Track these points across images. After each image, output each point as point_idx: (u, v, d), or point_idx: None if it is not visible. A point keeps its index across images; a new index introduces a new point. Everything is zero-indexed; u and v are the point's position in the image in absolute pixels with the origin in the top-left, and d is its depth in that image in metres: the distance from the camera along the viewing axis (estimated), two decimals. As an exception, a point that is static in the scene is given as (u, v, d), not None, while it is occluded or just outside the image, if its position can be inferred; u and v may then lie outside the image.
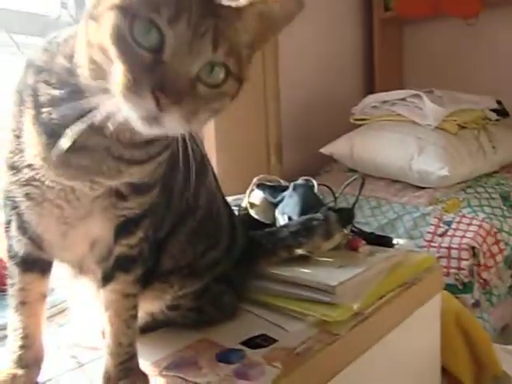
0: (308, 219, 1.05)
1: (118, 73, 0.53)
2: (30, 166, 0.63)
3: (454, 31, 2.73)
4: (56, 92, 0.61)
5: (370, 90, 2.79)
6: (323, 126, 2.53)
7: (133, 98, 0.52)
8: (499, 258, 1.70)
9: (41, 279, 0.72)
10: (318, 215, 1.04)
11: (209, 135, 1.93)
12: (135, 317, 0.73)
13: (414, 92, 2.17)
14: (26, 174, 0.64)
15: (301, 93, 2.47)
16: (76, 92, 0.59)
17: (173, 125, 0.54)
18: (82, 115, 0.57)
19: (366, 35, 2.93)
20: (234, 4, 0.57)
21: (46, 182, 0.64)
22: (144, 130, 0.55)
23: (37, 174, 0.63)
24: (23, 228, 0.69)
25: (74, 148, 0.59)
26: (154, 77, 0.52)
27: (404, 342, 1.03)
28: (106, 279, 0.71)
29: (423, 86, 2.27)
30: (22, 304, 0.71)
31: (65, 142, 0.58)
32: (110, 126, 0.59)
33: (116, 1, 0.52)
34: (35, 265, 0.71)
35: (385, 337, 0.95)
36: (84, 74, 0.59)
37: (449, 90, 2.26)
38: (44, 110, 0.61)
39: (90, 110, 0.56)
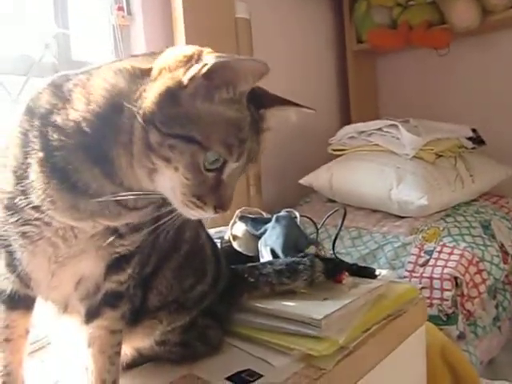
0: (294, 262, 1.04)
1: (184, 188, 0.62)
2: (35, 207, 0.63)
3: (427, 61, 2.79)
4: (71, 141, 0.62)
5: (346, 120, 2.82)
6: (302, 156, 2.54)
7: (194, 209, 0.64)
8: (482, 288, 1.69)
9: (25, 316, 0.72)
10: (305, 260, 1.04)
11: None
12: (119, 354, 0.74)
13: (390, 122, 2.20)
14: (29, 214, 0.64)
15: (278, 124, 2.47)
16: (97, 145, 0.62)
17: None
18: (96, 160, 0.62)
19: (340, 67, 2.97)
20: (263, 111, 0.70)
21: (51, 222, 0.64)
22: (191, 218, 0.66)
23: (41, 215, 0.63)
24: (13, 266, 0.69)
25: (86, 194, 0.62)
26: (215, 197, 0.64)
27: (390, 376, 1.01)
28: (92, 315, 0.72)
29: (398, 115, 2.31)
30: (7, 341, 0.71)
31: None
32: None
33: (196, 136, 0.60)
34: (21, 302, 0.71)
35: (371, 371, 0.93)
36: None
37: (424, 119, 2.29)
38: (55, 153, 0.61)
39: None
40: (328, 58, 2.95)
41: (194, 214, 0.64)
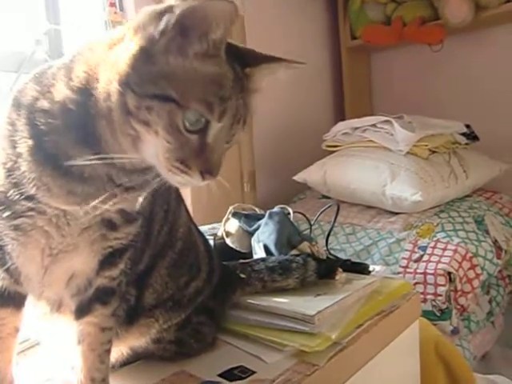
0: (287, 260, 1.05)
1: (166, 153, 0.60)
2: (29, 197, 0.62)
3: (421, 57, 2.78)
4: (59, 122, 0.61)
5: (341, 116, 2.82)
6: (296, 153, 2.54)
7: (180, 175, 0.61)
8: (476, 283, 1.69)
9: (15, 314, 0.71)
10: (298, 259, 1.04)
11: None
12: (109, 351, 0.73)
13: (384, 118, 2.19)
14: (23, 206, 0.63)
15: (272, 121, 2.47)
16: (83, 122, 0.61)
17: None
18: (85, 140, 0.61)
19: (334, 63, 2.97)
20: (249, 70, 0.66)
21: (46, 210, 0.63)
22: (175, 184, 0.64)
23: (35, 204, 0.62)
24: (2, 260, 0.68)
25: (82, 178, 0.62)
26: (201, 161, 0.61)
27: (383, 372, 1.01)
28: (82, 311, 0.71)
29: (392, 111, 2.30)
30: None
31: None
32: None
33: (171, 94, 0.58)
34: (11, 300, 0.70)
35: (364, 367, 0.93)
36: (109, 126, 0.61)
37: (418, 115, 2.29)
38: (45, 138, 0.61)
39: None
40: (322, 54, 2.94)
41: (180, 180, 0.62)
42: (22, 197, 0.62)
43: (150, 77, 0.58)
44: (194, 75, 0.59)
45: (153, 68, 0.58)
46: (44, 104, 0.62)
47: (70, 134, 0.61)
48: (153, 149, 0.60)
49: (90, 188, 0.63)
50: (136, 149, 0.61)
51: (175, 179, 0.62)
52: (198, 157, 0.61)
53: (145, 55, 0.58)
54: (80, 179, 0.62)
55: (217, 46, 0.60)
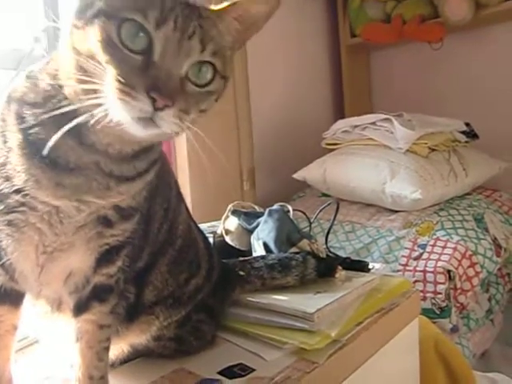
0: (287, 257, 1.04)
1: (110, 78, 0.54)
2: (18, 191, 0.62)
3: (421, 55, 2.78)
4: (41, 110, 0.61)
5: (340, 115, 2.82)
6: (295, 151, 2.54)
7: (128, 101, 0.54)
8: (475, 281, 1.69)
9: (13, 311, 0.71)
10: (298, 257, 1.04)
11: (182, 162, 1.92)
12: (107, 349, 0.72)
13: (383, 116, 2.19)
14: (13, 199, 0.62)
15: (272, 118, 2.48)
16: (62, 105, 0.59)
17: (166, 124, 0.56)
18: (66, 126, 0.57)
19: (334, 61, 2.97)
20: (214, 7, 0.61)
21: (37, 206, 0.62)
22: (139, 131, 0.57)
23: (25, 197, 0.62)
24: None
25: (68, 168, 0.61)
26: (146, 78, 0.54)
27: (383, 370, 1.01)
28: (80, 309, 0.70)
29: (392, 109, 2.29)
30: None
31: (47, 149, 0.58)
32: (100, 136, 0.60)
33: (101, 6, 0.55)
34: (7, 297, 0.70)
35: (363, 364, 0.93)
36: (70, 86, 0.59)
37: (418, 113, 2.29)
38: (32, 131, 0.60)
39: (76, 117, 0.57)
40: (322, 52, 2.94)
41: (126, 108, 0.55)
42: (12, 189, 0.62)
43: (85, 4, 0.57)
44: None
45: None
46: (31, 97, 0.62)
47: (53, 123, 0.59)
48: (102, 86, 0.56)
49: (77, 179, 0.61)
50: (93, 94, 0.57)
51: (125, 109, 0.55)
52: (143, 74, 0.55)
53: None
54: (66, 170, 0.61)
55: None
